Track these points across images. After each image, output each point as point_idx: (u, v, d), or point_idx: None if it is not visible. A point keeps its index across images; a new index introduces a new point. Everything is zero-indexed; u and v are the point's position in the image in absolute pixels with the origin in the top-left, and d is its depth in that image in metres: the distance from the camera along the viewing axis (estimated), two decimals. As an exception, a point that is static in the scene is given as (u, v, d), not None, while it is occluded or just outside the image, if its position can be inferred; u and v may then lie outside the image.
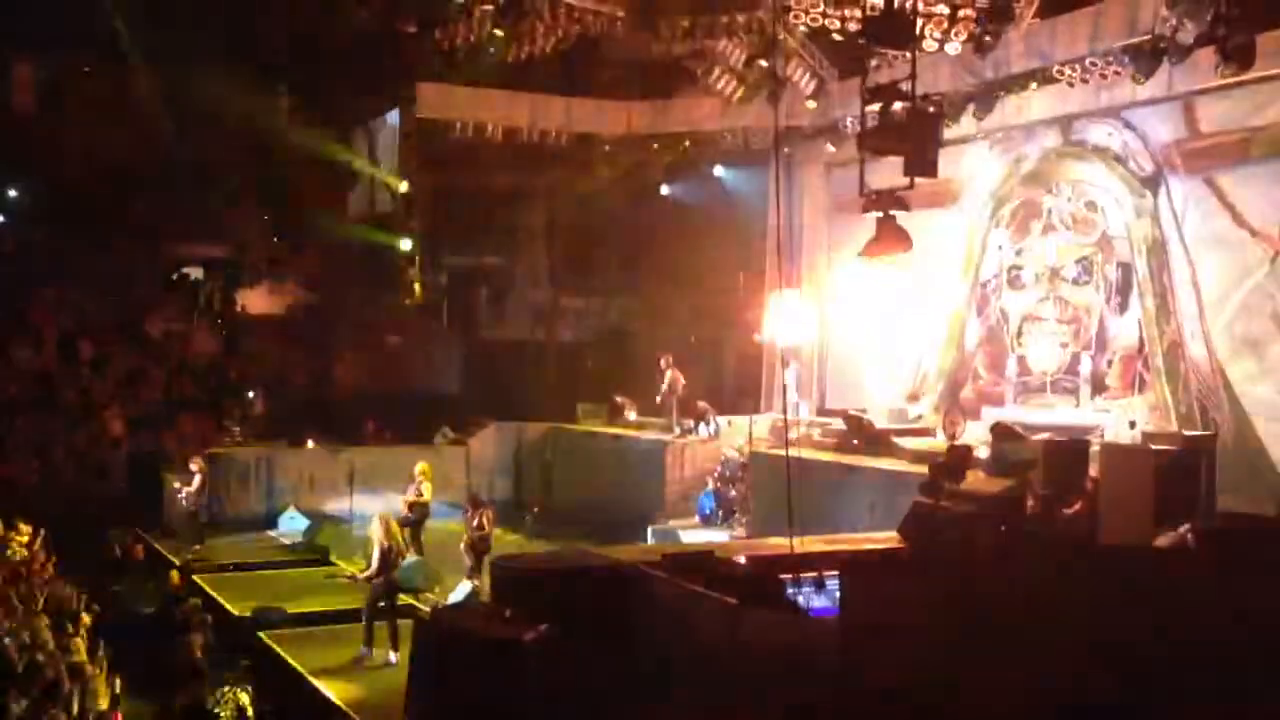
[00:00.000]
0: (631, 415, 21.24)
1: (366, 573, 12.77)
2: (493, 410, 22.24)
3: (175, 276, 25.10)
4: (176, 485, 17.55)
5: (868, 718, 6.45)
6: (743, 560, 8.35)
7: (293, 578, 15.56)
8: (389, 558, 12.57)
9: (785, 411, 16.28)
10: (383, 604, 12.52)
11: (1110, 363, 17.06)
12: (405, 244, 21.88)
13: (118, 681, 11.16)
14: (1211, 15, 13.59)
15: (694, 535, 16.06)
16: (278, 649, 12.27)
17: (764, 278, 22.04)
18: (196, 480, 17.35)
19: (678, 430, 19.31)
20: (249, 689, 10.95)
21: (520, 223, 23.45)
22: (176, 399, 21.94)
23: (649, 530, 16.48)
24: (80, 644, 11.59)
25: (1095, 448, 13.61)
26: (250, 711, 10.74)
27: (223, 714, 10.99)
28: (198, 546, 17.04)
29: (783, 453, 15.52)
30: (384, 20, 19.49)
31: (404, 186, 21.97)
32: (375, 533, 12.79)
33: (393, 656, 12.04)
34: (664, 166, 22.76)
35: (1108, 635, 6.60)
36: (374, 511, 13.61)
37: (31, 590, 12.87)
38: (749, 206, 22.30)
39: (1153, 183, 16.40)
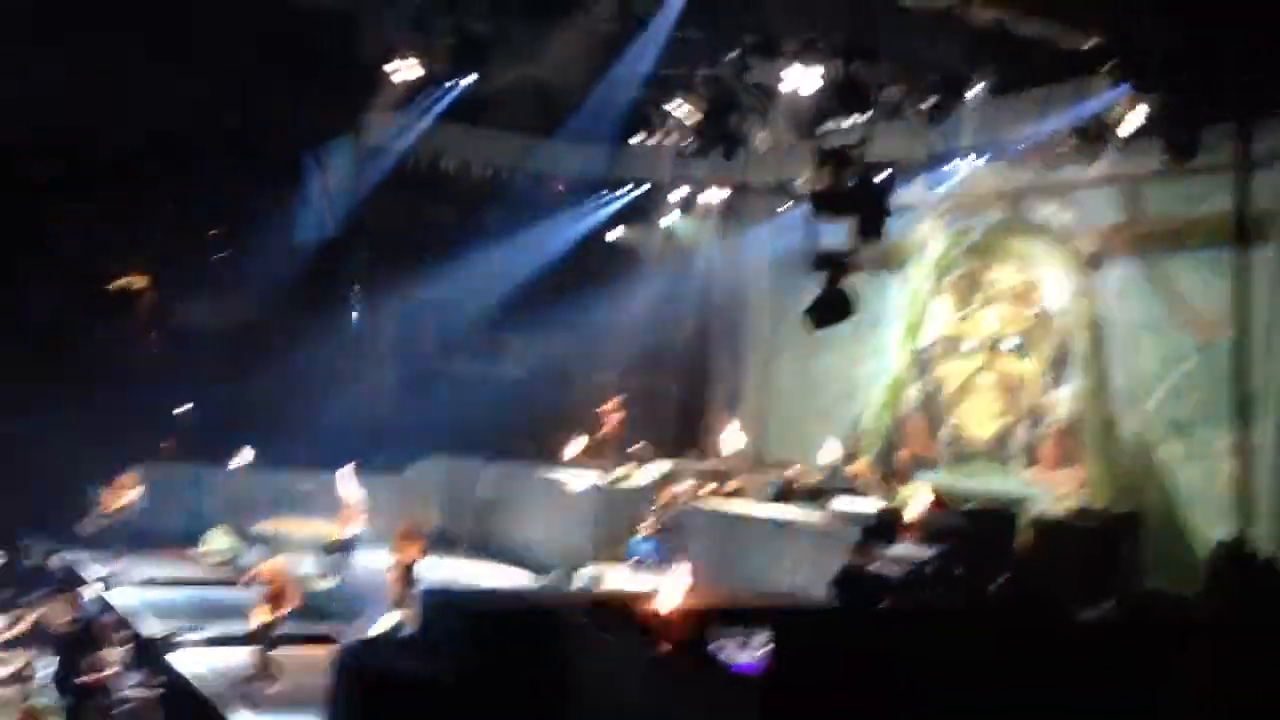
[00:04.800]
0: (570, 455, 21.15)
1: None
2: (430, 442, 22.03)
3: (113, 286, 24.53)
4: (101, 498, 17.20)
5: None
6: (668, 611, 8.34)
7: (214, 598, 15.26)
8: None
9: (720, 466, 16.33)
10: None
11: (1043, 436, 17.33)
12: (352, 270, 21.74)
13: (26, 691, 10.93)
14: (1157, 107, 13.99)
15: (624, 581, 16.00)
16: (186, 675, 11.99)
17: (710, 327, 22.22)
18: (128, 495, 17.04)
19: (614, 473, 19.29)
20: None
21: (469, 257, 23.35)
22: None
23: (579, 573, 16.40)
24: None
25: (1023, 520, 13.90)
26: None
27: None
28: (119, 561, 16.69)
29: (717, 504, 15.65)
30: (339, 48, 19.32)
31: (352, 214, 21.84)
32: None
33: None
34: (614, 212, 22.89)
35: (1028, 708, 6.69)
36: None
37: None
38: (698, 257, 22.38)
39: (1094, 263, 16.78)
